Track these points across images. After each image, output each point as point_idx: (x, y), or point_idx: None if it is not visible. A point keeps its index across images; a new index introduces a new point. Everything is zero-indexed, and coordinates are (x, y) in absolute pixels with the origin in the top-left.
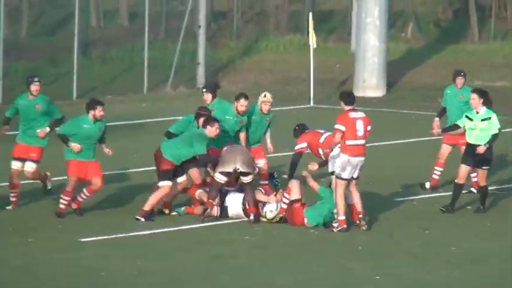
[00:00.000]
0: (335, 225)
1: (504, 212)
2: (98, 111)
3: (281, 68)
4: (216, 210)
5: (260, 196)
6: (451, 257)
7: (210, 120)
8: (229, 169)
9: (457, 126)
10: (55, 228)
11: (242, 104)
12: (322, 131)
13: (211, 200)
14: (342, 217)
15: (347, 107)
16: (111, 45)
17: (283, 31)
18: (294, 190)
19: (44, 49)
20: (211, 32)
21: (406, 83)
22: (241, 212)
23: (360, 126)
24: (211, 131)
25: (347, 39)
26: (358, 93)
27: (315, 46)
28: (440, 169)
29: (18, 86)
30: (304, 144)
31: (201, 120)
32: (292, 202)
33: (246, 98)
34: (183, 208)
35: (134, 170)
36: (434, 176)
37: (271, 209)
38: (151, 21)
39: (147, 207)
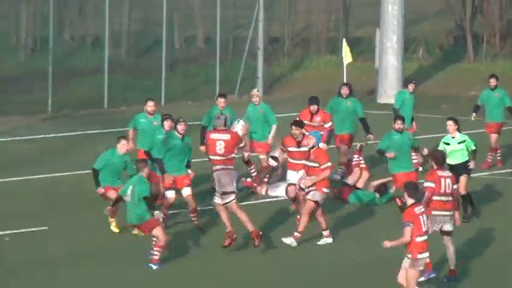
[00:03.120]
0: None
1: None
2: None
3: (321, 81)
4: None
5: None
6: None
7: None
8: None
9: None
10: None
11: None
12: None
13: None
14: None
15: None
16: (191, 63)
17: (322, 53)
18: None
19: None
20: (267, 53)
21: (417, 94)
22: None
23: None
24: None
25: (371, 58)
26: (382, 100)
27: (351, 60)
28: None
29: None
30: None
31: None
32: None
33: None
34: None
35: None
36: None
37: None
38: (222, 44)
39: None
